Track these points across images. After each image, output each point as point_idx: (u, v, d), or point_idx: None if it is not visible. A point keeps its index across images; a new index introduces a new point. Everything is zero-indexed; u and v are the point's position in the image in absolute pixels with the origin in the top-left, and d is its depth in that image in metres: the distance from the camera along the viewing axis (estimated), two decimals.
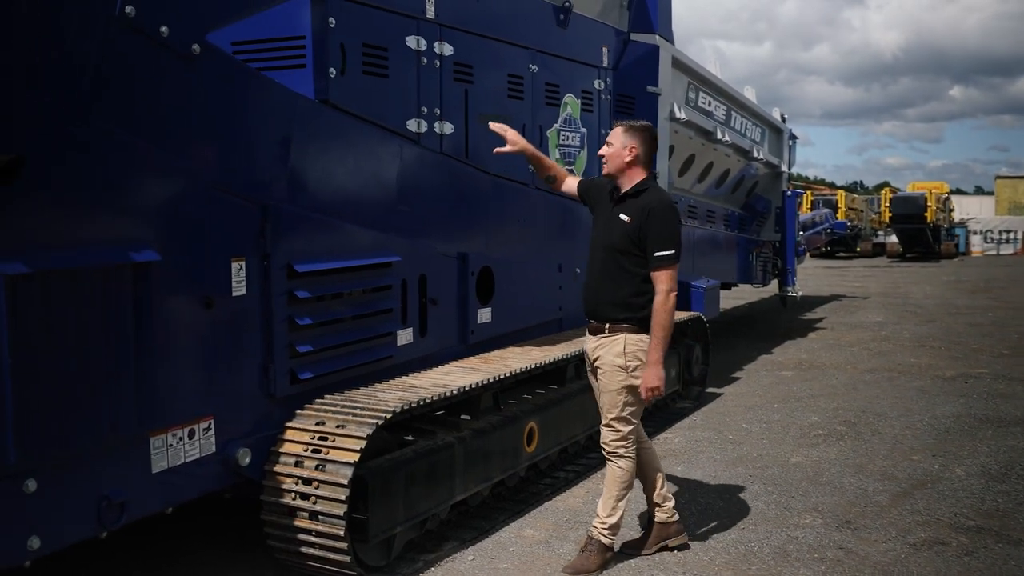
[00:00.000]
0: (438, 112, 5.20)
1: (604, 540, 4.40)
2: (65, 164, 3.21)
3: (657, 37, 7.69)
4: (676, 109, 8.18)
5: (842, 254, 33.66)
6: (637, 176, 4.44)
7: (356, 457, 3.87)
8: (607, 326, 4.39)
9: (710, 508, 5.32)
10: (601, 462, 6.13)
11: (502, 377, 4.98)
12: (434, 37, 5.15)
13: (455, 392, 4.57)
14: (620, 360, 4.35)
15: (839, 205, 34.30)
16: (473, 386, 4.72)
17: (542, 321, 6.43)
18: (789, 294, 12.99)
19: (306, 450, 3.99)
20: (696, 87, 8.99)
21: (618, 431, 4.40)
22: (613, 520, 4.41)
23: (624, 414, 4.40)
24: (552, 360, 5.55)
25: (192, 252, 3.71)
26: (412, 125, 5.01)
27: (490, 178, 5.72)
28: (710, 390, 8.48)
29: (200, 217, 3.75)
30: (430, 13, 5.10)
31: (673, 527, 4.66)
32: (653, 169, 4.67)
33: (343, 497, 3.82)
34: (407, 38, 4.96)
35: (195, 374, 3.78)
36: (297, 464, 3.97)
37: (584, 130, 6.88)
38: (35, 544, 3.17)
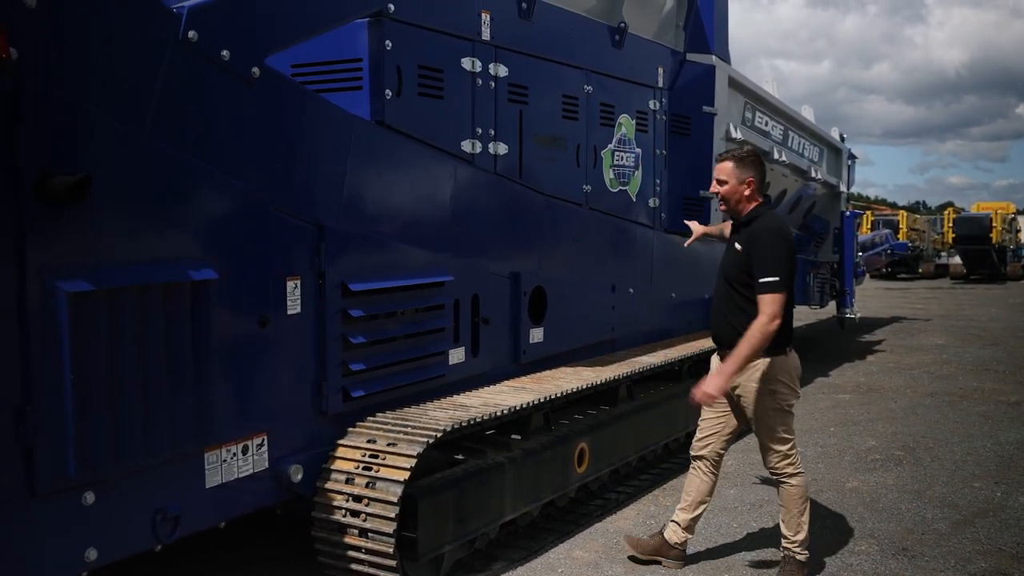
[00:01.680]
0: (492, 133, 5.24)
1: (799, 557, 4.47)
2: (127, 184, 3.30)
3: (713, 57, 7.66)
4: (732, 129, 8.12)
5: (903, 275, 33.04)
6: (753, 205, 4.45)
7: (406, 475, 3.89)
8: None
9: (762, 532, 5.25)
10: (653, 483, 6.13)
11: (553, 397, 4.98)
12: (489, 58, 5.20)
13: (506, 411, 4.58)
14: (762, 386, 4.38)
15: (900, 225, 33.72)
16: (524, 406, 4.73)
17: (595, 341, 6.41)
18: (847, 316, 12.77)
19: (357, 467, 4.03)
20: (753, 107, 8.93)
21: (778, 451, 4.46)
22: (801, 536, 4.47)
23: (780, 434, 4.45)
24: (604, 380, 5.54)
25: (249, 271, 3.78)
26: (466, 146, 5.06)
27: (544, 198, 5.74)
28: None
29: (257, 236, 3.82)
30: (485, 35, 5.15)
31: (675, 552, 4.71)
32: (765, 191, 4.71)
33: (392, 515, 3.85)
34: (462, 60, 5.01)
35: (249, 391, 3.84)
36: (348, 481, 4.01)
37: (639, 150, 6.87)
38: (92, 556, 3.24)
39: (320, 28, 4.17)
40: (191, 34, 3.51)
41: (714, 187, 4.51)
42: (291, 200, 4.01)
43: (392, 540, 3.85)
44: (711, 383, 4.29)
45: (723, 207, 4.52)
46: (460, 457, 4.51)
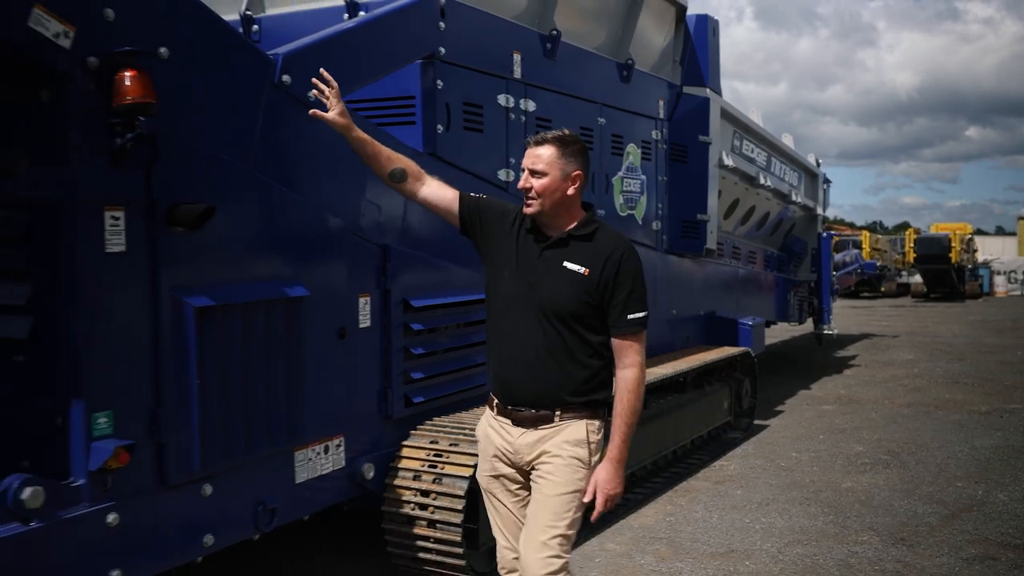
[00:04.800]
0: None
1: None
2: (237, 212, 3.74)
3: (708, 90, 8.22)
4: (724, 156, 8.68)
5: (866, 294, 33.94)
6: (576, 210, 3.28)
7: (470, 472, 4.33)
8: (556, 414, 3.19)
9: (773, 526, 5.74)
10: (665, 485, 6.61)
11: None
12: (520, 94, 5.69)
13: None
14: (583, 451, 3.18)
15: (863, 245, 34.65)
16: None
17: None
18: (825, 332, 13.40)
19: (423, 465, 4.47)
20: (741, 135, 9.50)
21: (559, 558, 3.15)
22: None
23: (570, 531, 3.20)
24: None
25: (331, 288, 4.23)
26: (501, 174, 5.54)
27: None
28: (757, 422, 8.90)
29: (337, 257, 4.28)
30: (517, 73, 5.65)
31: None
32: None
33: (460, 507, 4.30)
34: (498, 96, 5.50)
35: (330, 396, 4.27)
36: (415, 478, 4.45)
37: (644, 177, 7.39)
38: (209, 541, 3.66)
39: (387, 70, 4.64)
40: (285, 78, 3.98)
41: (525, 180, 3.25)
42: (362, 224, 4.47)
43: (459, 530, 4.29)
44: (613, 477, 3.15)
45: (532, 208, 3.23)
46: None
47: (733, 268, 9.80)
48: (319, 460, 4.22)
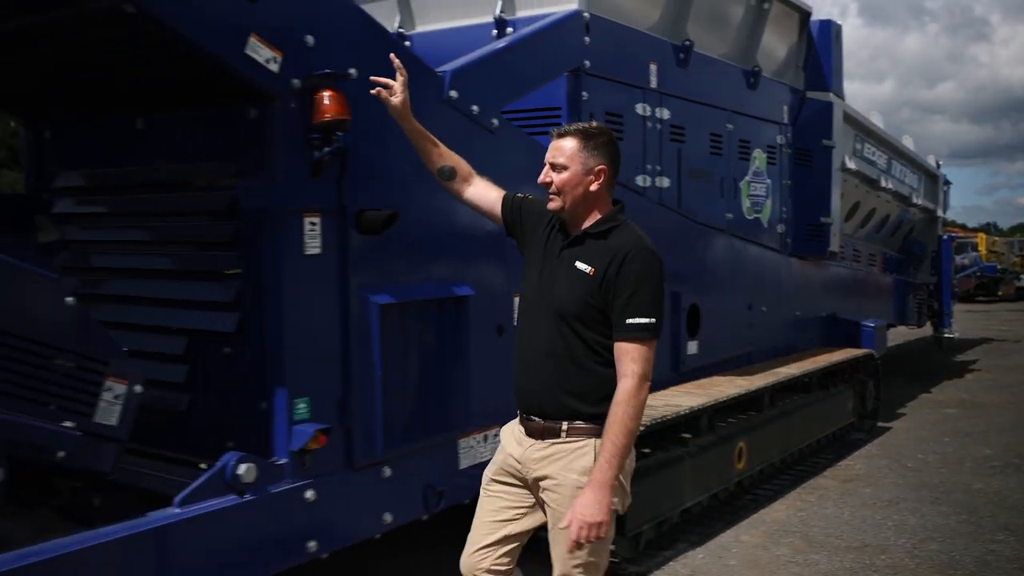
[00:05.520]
0: (658, 169, 5.96)
1: None
2: (412, 218, 4.08)
3: (831, 95, 8.31)
4: (847, 160, 8.75)
5: (981, 298, 32.96)
6: (602, 207, 3.12)
7: None
8: (564, 427, 3.04)
9: (905, 523, 5.84)
10: (793, 482, 6.74)
11: (722, 400, 5.65)
12: (656, 103, 5.93)
13: (687, 411, 5.27)
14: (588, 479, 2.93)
15: (979, 247, 33.66)
16: (701, 407, 5.41)
17: (735, 354, 7.05)
18: (946, 335, 13.24)
19: None
20: (862, 138, 9.54)
21: None
22: None
23: (593, 557, 3.01)
24: (757, 388, 6.19)
25: (490, 288, 4.54)
26: (639, 181, 5.78)
27: (696, 226, 6.43)
28: (880, 424, 8.92)
29: (496, 260, 4.58)
30: (653, 83, 5.88)
31: None
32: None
33: None
34: (636, 105, 5.74)
35: (489, 389, 4.56)
36: None
37: (769, 181, 7.53)
38: (388, 519, 4.00)
39: (541, 83, 4.94)
40: (452, 93, 4.30)
41: (545, 175, 3.12)
42: None
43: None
44: (594, 503, 2.82)
45: (554, 204, 3.11)
46: (647, 451, 5.20)
47: (854, 270, 9.83)
48: (479, 448, 4.53)
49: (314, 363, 3.69)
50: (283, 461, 3.61)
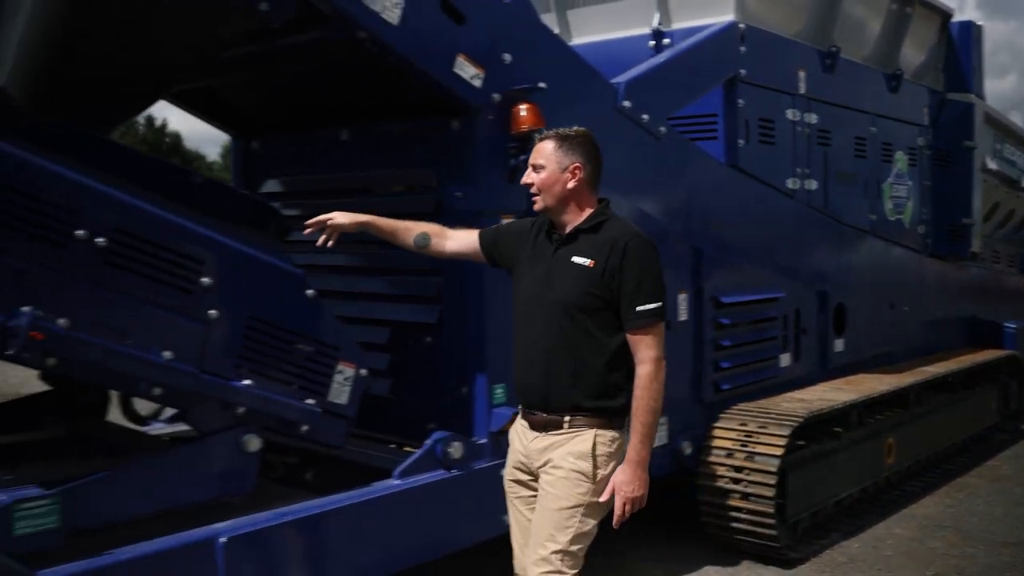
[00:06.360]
0: (807, 171, 6.15)
1: None
2: None
3: (972, 96, 8.32)
4: (987, 161, 8.73)
5: None
6: (586, 204, 3.20)
7: (782, 452, 4.82)
8: (566, 419, 3.10)
9: None
10: (940, 479, 6.82)
11: (873, 396, 5.81)
12: (804, 108, 6.12)
13: (841, 405, 5.45)
14: (586, 464, 3.04)
15: None
16: (852, 401, 5.58)
17: (877, 353, 7.16)
18: None
19: (735, 444, 4.99)
20: (1001, 138, 9.47)
21: (560, 573, 3.02)
22: None
23: (573, 547, 3.04)
24: (905, 385, 6.32)
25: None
26: (790, 183, 5.98)
27: (843, 227, 6.59)
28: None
29: (667, 260, 4.86)
30: (802, 89, 6.08)
31: None
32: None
33: (772, 482, 4.79)
34: (786, 111, 5.95)
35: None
36: (729, 456, 4.97)
37: (910, 183, 7.61)
38: None
39: (703, 92, 5.22)
40: (625, 103, 4.61)
41: (527, 176, 3.22)
42: (681, 230, 5.04)
43: (773, 503, 4.78)
44: (634, 479, 3.02)
45: (538, 204, 3.21)
46: (802, 443, 5.40)
47: (994, 271, 9.76)
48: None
49: (508, 352, 4.03)
50: (483, 441, 3.97)
